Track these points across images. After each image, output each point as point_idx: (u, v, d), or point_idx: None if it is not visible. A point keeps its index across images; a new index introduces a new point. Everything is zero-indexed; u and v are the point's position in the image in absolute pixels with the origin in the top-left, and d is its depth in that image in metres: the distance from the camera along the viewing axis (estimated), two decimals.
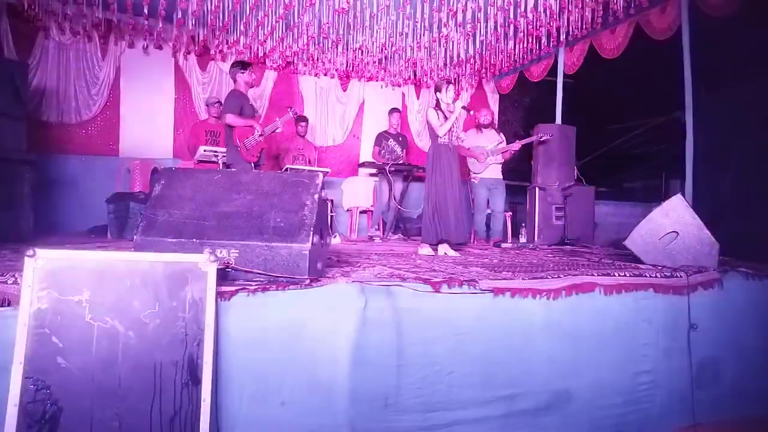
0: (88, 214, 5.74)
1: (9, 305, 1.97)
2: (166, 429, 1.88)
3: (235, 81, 5.12)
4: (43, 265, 1.86)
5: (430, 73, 7.53)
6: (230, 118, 4.86)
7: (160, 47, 6.65)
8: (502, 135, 6.29)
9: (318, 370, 2.22)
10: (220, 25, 6.01)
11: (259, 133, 4.87)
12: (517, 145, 6.10)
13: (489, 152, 6.09)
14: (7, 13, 5.65)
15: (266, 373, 2.16)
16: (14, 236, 3.92)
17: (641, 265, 3.43)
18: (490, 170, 6.16)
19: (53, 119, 6.22)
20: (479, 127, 6.33)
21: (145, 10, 5.50)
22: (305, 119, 7.06)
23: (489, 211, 6.28)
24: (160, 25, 5.90)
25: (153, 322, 1.93)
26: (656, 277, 3.02)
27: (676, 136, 5.35)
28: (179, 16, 5.54)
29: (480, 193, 6.22)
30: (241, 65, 5.14)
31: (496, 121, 6.29)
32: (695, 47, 5.10)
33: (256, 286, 2.23)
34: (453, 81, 7.33)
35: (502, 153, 6.11)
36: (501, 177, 6.28)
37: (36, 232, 4.41)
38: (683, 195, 3.80)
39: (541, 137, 5.90)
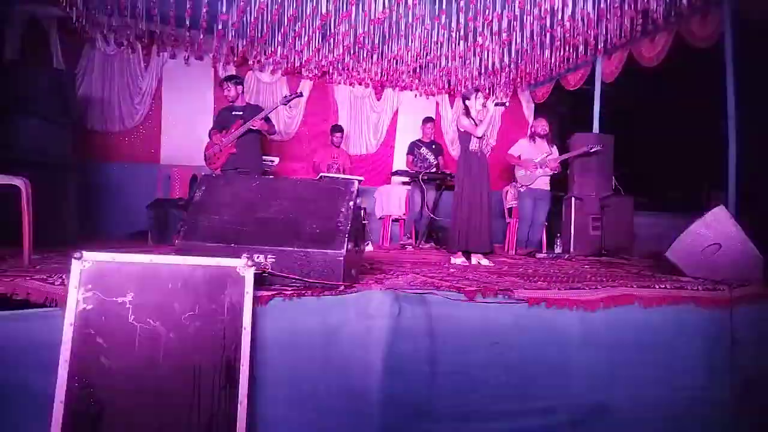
0: (130, 219, 5.92)
1: (56, 305, 2.04)
2: (203, 430, 1.92)
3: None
4: (89, 267, 1.92)
5: (465, 83, 7.51)
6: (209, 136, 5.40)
7: (200, 58, 6.83)
8: (554, 147, 6.21)
9: (351, 377, 2.23)
10: (259, 36, 6.13)
11: (219, 147, 5.21)
12: (565, 157, 6.02)
13: (538, 164, 6.03)
14: (56, 26, 5.89)
15: (301, 378, 2.18)
16: (60, 240, 4.05)
17: (682, 278, 3.34)
18: (538, 181, 6.11)
19: (98, 127, 6.45)
20: (533, 136, 6.27)
21: (187, 22, 5.66)
22: (340, 129, 7.13)
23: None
24: (201, 37, 6.06)
25: (193, 324, 1.97)
26: (698, 290, 2.94)
27: (718, 146, 5.20)
28: (219, 27, 5.68)
29: (525, 203, 6.16)
30: (226, 79, 5.45)
31: (550, 133, 6.22)
32: (738, 55, 4.97)
33: (292, 292, 2.26)
34: (481, 89, 7.32)
35: (554, 164, 6.04)
36: (548, 189, 6.21)
37: (79, 237, 4.56)
38: (725, 206, 3.69)
39: (591, 148, 5.78)
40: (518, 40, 5.90)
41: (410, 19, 5.44)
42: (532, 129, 6.35)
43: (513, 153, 6.29)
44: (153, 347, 1.92)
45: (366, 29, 5.73)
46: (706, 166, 5.99)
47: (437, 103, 8.32)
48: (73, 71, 6.00)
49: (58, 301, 2.05)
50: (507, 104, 5.06)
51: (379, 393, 2.23)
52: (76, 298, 1.89)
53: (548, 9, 5.22)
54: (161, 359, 1.92)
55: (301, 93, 5.64)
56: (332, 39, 6.18)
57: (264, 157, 6.24)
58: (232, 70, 7.02)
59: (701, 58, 5.31)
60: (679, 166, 7.17)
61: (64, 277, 2.21)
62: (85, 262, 1.92)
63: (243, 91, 5.47)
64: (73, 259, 1.92)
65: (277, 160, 6.45)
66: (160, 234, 5.21)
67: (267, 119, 5.23)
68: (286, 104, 5.49)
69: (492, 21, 5.48)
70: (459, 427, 2.35)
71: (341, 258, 2.37)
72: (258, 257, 2.32)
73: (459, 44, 6.14)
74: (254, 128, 5.15)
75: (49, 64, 5.80)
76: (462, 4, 5.24)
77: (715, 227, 3.40)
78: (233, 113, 5.27)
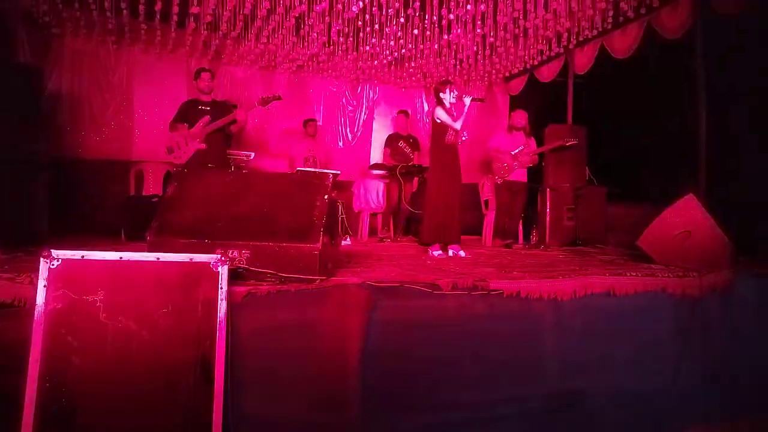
0: (103, 216, 5.81)
1: (25, 305, 2.01)
2: (179, 426, 1.90)
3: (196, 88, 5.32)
4: (58, 265, 1.89)
5: (440, 76, 7.52)
6: (168, 126, 5.26)
7: (172, 52, 6.72)
8: (532, 140, 6.24)
9: (328, 369, 2.23)
10: (232, 30, 6.06)
11: (183, 136, 5.09)
12: (541, 150, 6.06)
13: (514, 156, 6.06)
14: (23, 20, 5.74)
15: (277, 372, 2.18)
16: (30, 239, 3.96)
17: (653, 265, 3.40)
18: (514, 173, 6.14)
19: (68, 123, 6.30)
20: (510, 128, 6.30)
21: (158, 16, 5.56)
22: (313, 119, 7.11)
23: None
24: (173, 30, 5.96)
25: (166, 321, 1.95)
26: (669, 277, 3.00)
27: (690, 136, 5.29)
28: (191, 21, 5.59)
29: (502, 195, 6.20)
30: (197, 72, 5.36)
31: (527, 126, 6.24)
32: (708, 45, 5.05)
33: (268, 286, 2.25)
34: (455, 82, 7.34)
35: (530, 157, 6.08)
36: (525, 180, 6.26)
37: (51, 235, 4.47)
38: (696, 195, 3.76)
39: (567, 142, 5.84)
40: (492, 33, 5.92)
41: (384, 13, 5.41)
42: (510, 121, 6.39)
43: (490, 145, 6.32)
44: (126, 345, 1.90)
45: (340, 25, 5.69)
46: (678, 156, 6.08)
47: (413, 97, 8.33)
48: (41, 66, 5.85)
49: (26, 300, 2.01)
50: (484, 100, 5.09)
51: (357, 385, 2.24)
52: (44, 297, 1.86)
53: (521, 2, 5.24)
54: (134, 357, 1.90)
55: (279, 96, 5.57)
56: (307, 34, 6.13)
57: (239, 152, 6.19)
58: (205, 65, 6.92)
59: (672, 49, 5.38)
60: (652, 156, 7.27)
61: (32, 275, 2.17)
62: (54, 261, 1.89)
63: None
64: (41, 258, 1.88)
65: (252, 155, 6.38)
66: (134, 232, 5.12)
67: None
68: (264, 106, 5.40)
69: (466, 14, 5.49)
70: (435, 417, 2.37)
71: (317, 252, 2.36)
72: (232, 252, 2.31)
73: (433, 37, 6.14)
74: (237, 121, 5.12)
75: (16, 60, 5.64)
76: None
77: (685, 215, 3.48)
78: (200, 107, 5.18)
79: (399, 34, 5.97)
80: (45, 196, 4.54)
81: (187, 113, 5.20)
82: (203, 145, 5.03)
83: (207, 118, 5.08)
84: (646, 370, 2.84)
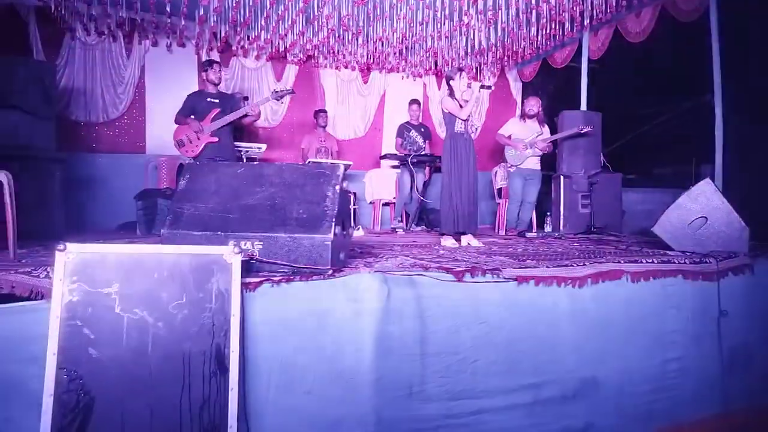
0: (117, 211, 5.86)
1: (42, 298, 2.03)
2: (195, 417, 1.92)
3: (205, 80, 5.28)
4: (73, 259, 1.90)
5: (452, 63, 7.46)
6: (175, 119, 5.20)
7: (183, 45, 6.74)
8: (545, 127, 6.18)
9: (342, 360, 2.24)
10: (241, 20, 6.05)
11: (195, 130, 5.06)
12: (555, 137, 6.00)
13: (528, 144, 6.01)
14: (35, 16, 5.78)
15: (291, 363, 2.19)
16: (45, 233, 4.01)
17: (669, 252, 3.37)
18: (528, 161, 6.10)
19: (81, 118, 6.36)
20: (524, 116, 6.24)
21: (168, 9, 5.57)
22: (323, 110, 7.11)
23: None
24: (183, 23, 5.97)
25: (181, 313, 1.97)
26: (685, 263, 2.97)
27: (705, 120, 5.21)
28: (201, 13, 5.59)
29: (515, 183, 6.16)
30: (208, 63, 5.33)
31: (541, 112, 6.17)
32: (723, 28, 4.96)
33: (280, 277, 2.26)
34: (466, 69, 7.28)
35: (540, 146, 6.02)
36: (539, 168, 6.20)
37: (66, 230, 4.52)
38: (713, 180, 3.71)
39: (581, 129, 5.77)
40: (504, 18, 5.86)
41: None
42: (523, 108, 6.32)
43: (503, 133, 6.26)
44: (141, 337, 1.92)
45: (350, 11, 5.66)
46: (694, 141, 6.00)
47: (424, 85, 8.28)
48: (54, 62, 5.90)
49: (44, 293, 2.04)
50: (492, 87, 5.03)
51: (370, 375, 2.24)
52: (61, 291, 1.88)
53: None
54: (150, 349, 1.92)
55: (293, 90, 5.57)
56: (316, 22, 6.11)
57: (251, 145, 6.20)
58: (215, 57, 6.93)
59: (687, 32, 5.29)
60: (667, 141, 7.18)
61: (49, 269, 2.20)
62: (70, 254, 1.91)
63: None
64: (57, 251, 1.90)
65: (264, 147, 6.40)
66: (149, 225, 5.17)
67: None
68: (278, 99, 5.40)
69: None
70: (450, 406, 2.37)
71: (329, 242, 2.36)
72: (245, 244, 2.32)
73: (444, 24, 6.09)
74: (250, 114, 5.14)
75: (29, 56, 5.69)
76: None
77: (701, 201, 3.43)
78: (208, 99, 5.18)
79: (409, 20, 5.93)
80: (59, 190, 4.58)
81: (194, 105, 5.19)
82: (215, 139, 5.04)
83: (217, 110, 5.09)
84: (663, 357, 2.82)
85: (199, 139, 5.04)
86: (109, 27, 6.20)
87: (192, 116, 5.12)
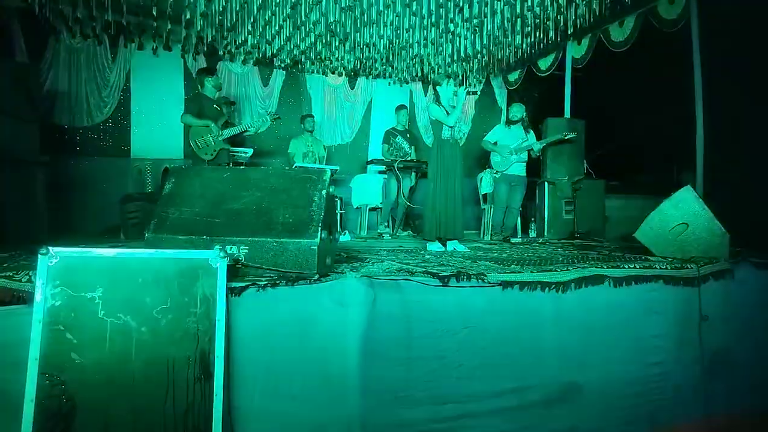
0: (101, 215, 5.81)
1: (24, 303, 2.01)
2: (179, 423, 1.91)
3: (202, 86, 5.28)
4: (56, 263, 1.89)
5: (438, 69, 7.51)
6: (186, 119, 5.14)
7: (169, 49, 6.70)
8: (531, 133, 6.22)
9: (328, 364, 2.24)
10: (228, 25, 6.04)
11: (216, 134, 5.09)
12: (540, 143, 6.05)
13: (513, 150, 6.05)
14: (19, 17, 5.72)
15: (277, 368, 2.18)
16: (29, 237, 3.97)
17: (651, 257, 3.41)
18: (513, 167, 6.13)
19: (65, 122, 6.30)
20: (509, 122, 6.27)
21: (154, 12, 5.55)
22: (310, 114, 7.12)
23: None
24: (169, 27, 5.95)
25: (165, 317, 1.96)
26: (666, 268, 3.01)
27: (687, 128, 5.30)
28: (187, 16, 5.58)
29: (501, 189, 6.18)
30: (207, 71, 5.40)
31: (526, 119, 6.20)
32: (704, 37, 5.05)
33: (266, 282, 2.25)
34: (452, 76, 7.33)
35: (529, 151, 6.06)
36: (524, 174, 6.24)
37: (50, 234, 4.47)
38: (694, 187, 3.77)
39: (566, 135, 5.83)
40: (489, 25, 5.91)
41: (381, 6, 5.41)
42: (509, 115, 6.37)
43: (489, 139, 6.30)
44: (125, 342, 1.90)
45: (337, 17, 5.68)
46: (676, 148, 6.09)
47: (411, 91, 8.33)
48: (38, 65, 5.85)
49: (25, 298, 2.02)
50: (478, 93, 5.07)
51: (356, 380, 2.24)
52: (43, 295, 1.86)
53: None
54: (134, 354, 1.91)
55: (278, 115, 5.78)
56: (303, 27, 6.11)
57: (237, 149, 6.19)
58: (202, 61, 6.92)
59: (670, 41, 5.38)
60: (649, 149, 7.28)
61: (31, 273, 2.17)
62: (52, 258, 1.89)
63: None
64: (39, 255, 1.88)
65: (251, 151, 6.38)
66: (134, 229, 5.12)
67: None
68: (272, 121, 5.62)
69: (462, 7, 5.49)
70: (436, 410, 2.38)
71: (315, 247, 2.36)
72: (231, 248, 2.31)
73: (430, 30, 6.13)
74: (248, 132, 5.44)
75: (12, 58, 5.63)
76: None
77: (683, 207, 3.48)
78: (214, 106, 5.22)
79: (396, 24, 5.96)
80: (43, 194, 4.54)
81: (204, 108, 5.18)
82: (228, 146, 5.20)
83: (227, 122, 5.22)
84: (645, 361, 2.85)
85: (215, 143, 5.07)
86: (95, 30, 6.16)
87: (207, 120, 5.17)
